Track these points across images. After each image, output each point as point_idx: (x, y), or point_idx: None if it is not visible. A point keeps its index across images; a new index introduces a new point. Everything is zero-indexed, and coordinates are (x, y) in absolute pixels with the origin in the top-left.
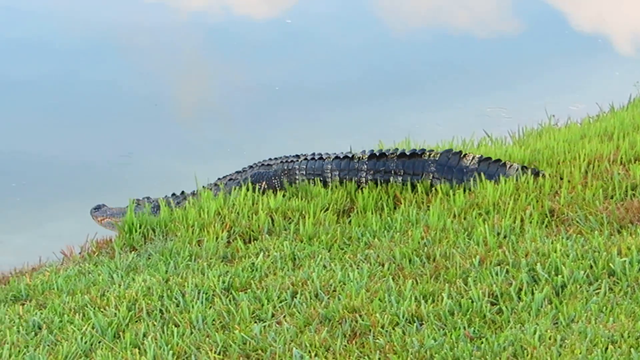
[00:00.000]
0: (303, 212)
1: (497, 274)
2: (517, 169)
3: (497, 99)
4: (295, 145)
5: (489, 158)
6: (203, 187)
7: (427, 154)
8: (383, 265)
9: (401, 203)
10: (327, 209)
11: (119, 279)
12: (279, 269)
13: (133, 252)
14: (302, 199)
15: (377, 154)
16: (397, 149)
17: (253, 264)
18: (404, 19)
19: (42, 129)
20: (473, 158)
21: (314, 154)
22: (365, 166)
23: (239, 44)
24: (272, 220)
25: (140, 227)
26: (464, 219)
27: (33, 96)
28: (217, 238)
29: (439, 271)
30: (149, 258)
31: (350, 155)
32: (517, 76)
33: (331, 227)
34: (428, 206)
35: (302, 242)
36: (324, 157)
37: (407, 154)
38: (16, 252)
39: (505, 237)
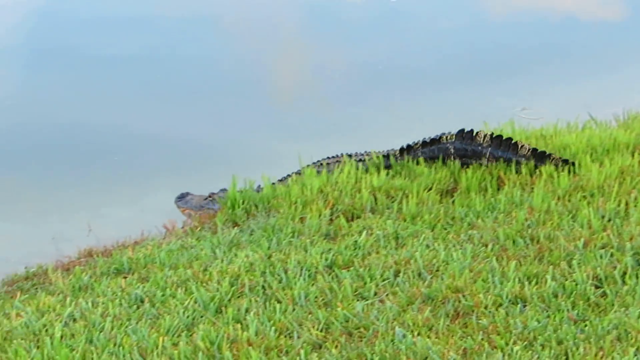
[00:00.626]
0: (406, 191)
1: (601, 257)
2: (528, 150)
3: (600, 83)
4: (398, 125)
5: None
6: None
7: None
8: (486, 246)
9: (505, 184)
10: (430, 189)
11: (222, 254)
12: (382, 247)
13: (235, 228)
14: (405, 178)
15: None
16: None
17: (356, 242)
18: (505, 1)
19: (142, 104)
20: (485, 137)
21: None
22: None
23: (340, 23)
24: (375, 198)
25: (243, 203)
26: (568, 201)
27: (134, 72)
28: (319, 215)
29: (542, 253)
30: (252, 234)
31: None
32: (620, 60)
33: (434, 207)
34: (532, 188)
35: (405, 221)
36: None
37: (428, 140)
38: (119, 225)
39: (609, 220)
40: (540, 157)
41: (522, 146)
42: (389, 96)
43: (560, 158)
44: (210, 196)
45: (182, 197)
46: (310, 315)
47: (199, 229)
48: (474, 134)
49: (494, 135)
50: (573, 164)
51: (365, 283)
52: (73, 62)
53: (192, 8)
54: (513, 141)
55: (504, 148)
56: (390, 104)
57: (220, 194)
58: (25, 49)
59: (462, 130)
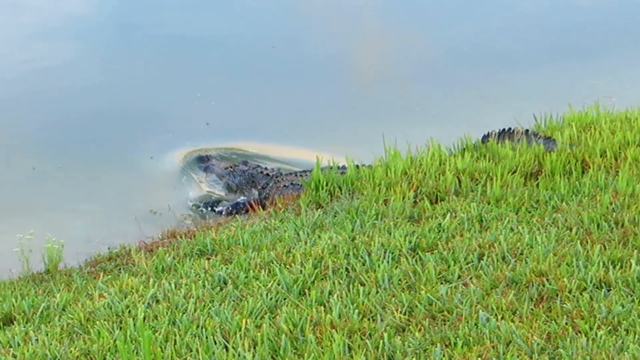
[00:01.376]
0: (490, 174)
1: None
2: (522, 134)
3: None
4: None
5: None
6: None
7: None
8: (571, 230)
9: (589, 167)
10: (514, 172)
11: (305, 236)
12: (466, 230)
13: (319, 210)
14: (489, 161)
15: None
16: None
17: (440, 224)
18: None
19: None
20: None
21: None
22: None
23: (424, 6)
24: (459, 181)
25: (326, 185)
26: None
27: (218, 54)
28: (403, 197)
29: (627, 237)
30: (335, 216)
31: None
32: None
33: (518, 190)
34: (617, 171)
35: (489, 204)
36: None
37: None
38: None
39: None
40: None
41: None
42: (474, 77)
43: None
44: (231, 167)
45: (204, 161)
46: (393, 298)
47: (282, 210)
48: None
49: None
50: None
51: (449, 266)
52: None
53: None
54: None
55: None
56: (474, 85)
57: (241, 166)
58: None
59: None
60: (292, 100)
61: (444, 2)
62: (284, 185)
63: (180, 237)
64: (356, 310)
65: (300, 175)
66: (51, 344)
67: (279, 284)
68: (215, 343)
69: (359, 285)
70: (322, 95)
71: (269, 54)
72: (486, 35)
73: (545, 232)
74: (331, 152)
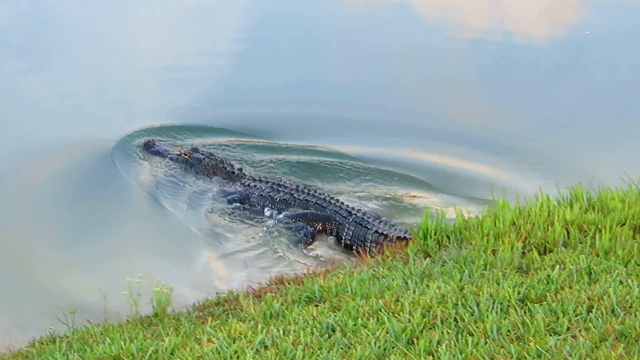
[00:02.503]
0: (599, 226)
1: None
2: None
3: None
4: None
5: None
6: None
7: None
8: None
9: None
10: (623, 224)
11: (413, 285)
12: (575, 282)
13: (427, 259)
14: (598, 213)
15: None
16: None
17: (549, 276)
18: None
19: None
20: None
21: None
22: None
23: (523, 67)
24: (568, 232)
25: (435, 234)
26: None
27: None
28: (512, 248)
29: None
30: (443, 265)
31: None
32: None
33: (627, 242)
34: None
35: (597, 256)
36: None
37: None
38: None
39: None
40: None
41: None
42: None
43: None
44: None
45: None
46: (502, 349)
47: (390, 258)
48: None
49: None
50: None
51: (557, 318)
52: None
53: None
54: None
55: None
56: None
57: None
58: None
59: None
60: None
61: (555, 60)
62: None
63: (288, 283)
64: None
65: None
66: None
67: (387, 333)
68: None
69: (468, 335)
70: None
71: None
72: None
73: None
74: None
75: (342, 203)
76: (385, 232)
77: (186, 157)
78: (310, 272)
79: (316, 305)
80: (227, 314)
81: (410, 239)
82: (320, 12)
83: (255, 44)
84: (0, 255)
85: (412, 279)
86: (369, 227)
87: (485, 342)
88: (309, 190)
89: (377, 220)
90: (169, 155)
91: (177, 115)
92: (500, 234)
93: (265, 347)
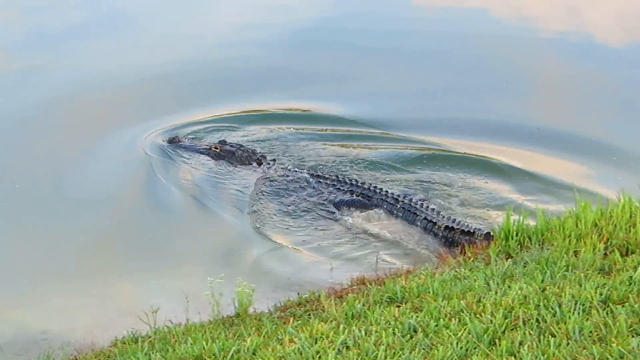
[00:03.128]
0: None
1: None
2: None
3: None
4: None
5: None
6: None
7: None
8: None
9: None
10: None
11: (495, 286)
12: None
13: (509, 260)
14: None
15: None
16: None
17: (631, 277)
18: None
19: None
20: None
21: None
22: None
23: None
24: None
25: (516, 235)
26: None
27: None
28: (594, 249)
29: None
30: (525, 266)
31: None
32: None
33: None
34: None
35: None
36: None
37: None
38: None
39: None
40: None
41: None
42: None
43: None
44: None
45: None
46: (584, 350)
47: (472, 259)
48: None
49: None
50: None
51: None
52: None
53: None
54: None
55: None
56: None
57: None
58: None
59: None
60: None
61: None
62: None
63: (370, 284)
64: None
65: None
66: None
67: (469, 333)
68: None
69: (550, 336)
70: None
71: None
72: None
73: None
74: None
75: (387, 191)
76: (434, 220)
77: (217, 150)
78: (392, 272)
79: (398, 306)
80: (309, 315)
81: (459, 229)
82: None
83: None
84: (81, 255)
85: (494, 280)
86: (417, 213)
87: (568, 343)
88: (350, 179)
89: (426, 207)
90: (198, 150)
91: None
92: (582, 235)
93: (347, 348)
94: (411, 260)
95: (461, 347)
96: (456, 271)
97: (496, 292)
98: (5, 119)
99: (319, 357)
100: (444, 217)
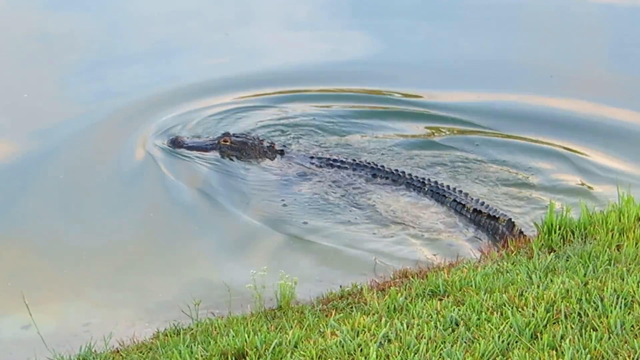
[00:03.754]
0: None
1: None
2: None
3: None
4: None
5: None
6: None
7: None
8: None
9: None
10: None
11: (537, 280)
12: None
13: (552, 254)
14: None
15: None
16: None
17: None
18: None
19: None
20: None
21: None
22: None
23: None
24: None
25: (559, 229)
26: None
27: None
28: (636, 243)
29: None
30: (568, 260)
31: None
32: None
33: None
34: None
35: None
36: None
37: None
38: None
39: None
40: None
41: None
42: None
43: None
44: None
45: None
46: (625, 345)
47: (514, 253)
48: None
49: None
50: None
51: None
52: None
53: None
54: None
55: None
56: None
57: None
58: None
59: None
60: None
61: None
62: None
63: (412, 277)
64: (588, 356)
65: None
66: None
67: (511, 327)
68: None
69: (591, 330)
70: None
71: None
72: None
73: None
74: None
75: (411, 174)
76: (463, 202)
77: (227, 143)
78: (435, 266)
79: (440, 299)
80: (351, 307)
81: (487, 214)
82: None
83: None
84: (123, 249)
85: (536, 274)
86: (446, 195)
87: (609, 337)
88: (369, 163)
89: (454, 189)
90: (205, 146)
91: None
92: (625, 229)
93: (389, 341)
94: (453, 253)
95: (503, 341)
96: (499, 265)
97: (538, 286)
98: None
99: (361, 350)
100: (472, 199)
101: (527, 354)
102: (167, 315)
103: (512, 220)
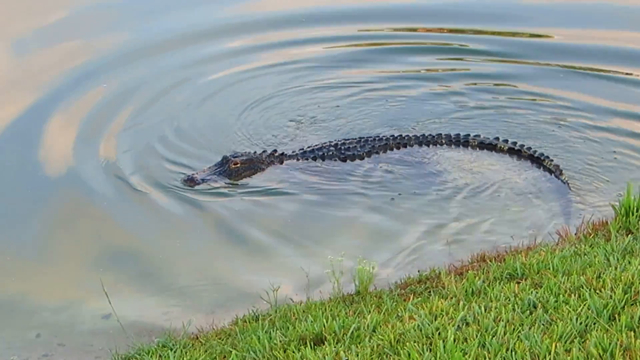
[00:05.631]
0: None
1: None
2: None
3: None
4: None
5: None
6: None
7: None
8: None
9: None
10: None
11: (615, 262)
12: None
13: (629, 235)
14: None
15: None
16: None
17: None
18: None
19: None
20: None
21: None
22: None
23: None
24: None
25: (637, 211)
26: None
27: None
28: None
29: None
30: None
31: None
32: None
33: None
34: None
35: None
36: None
37: None
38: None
39: None
40: None
41: None
42: None
43: None
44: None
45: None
46: None
47: (592, 235)
48: None
49: None
50: None
51: None
52: None
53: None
54: None
55: None
56: None
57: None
58: None
59: None
60: None
61: None
62: None
63: (490, 261)
64: None
65: None
66: None
67: (588, 309)
68: None
69: None
70: None
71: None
72: None
73: None
74: None
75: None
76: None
77: (237, 165)
78: (512, 249)
79: (517, 282)
80: (429, 292)
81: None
82: None
83: None
84: (203, 236)
85: (613, 256)
86: (494, 144)
87: None
88: (370, 137)
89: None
90: (218, 175)
91: None
92: None
93: (467, 324)
94: (531, 236)
95: (580, 323)
96: (576, 247)
97: (616, 268)
98: None
99: (439, 333)
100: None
101: (605, 335)
102: (246, 302)
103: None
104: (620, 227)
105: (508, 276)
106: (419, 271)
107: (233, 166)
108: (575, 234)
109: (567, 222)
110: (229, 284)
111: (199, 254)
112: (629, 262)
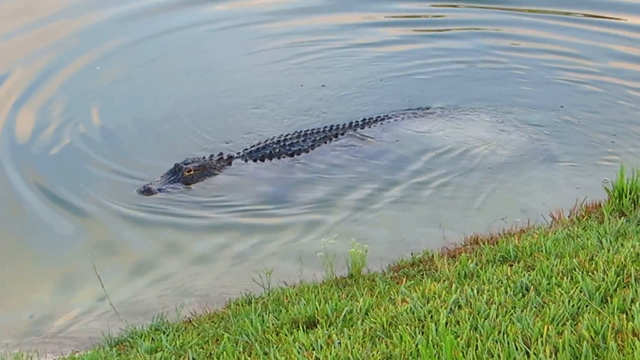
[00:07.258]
0: None
1: None
2: None
3: None
4: None
5: None
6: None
7: None
8: None
9: None
10: None
11: (608, 244)
12: None
13: (622, 218)
14: None
15: None
16: None
17: None
18: None
19: None
20: None
21: None
22: None
23: None
24: None
25: (630, 193)
26: None
27: None
28: None
29: None
30: (639, 224)
31: None
32: None
33: None
34: None
35: None
36: None
37: None
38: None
39: None
40: None
41: None
42: None
43: None
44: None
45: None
46: None
47: (585, 218)
48: None
49: None
50: None
51: None
52: None
53: None
54: None
55: None
56: None
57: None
58: None
59: None
60: None
61: None
62: None
63: (483, 244)
64: None
65: None
66: (354, 348)
67: (581, 291)
68: (517, 349)
69: None
70: None
71: None
72: None
73: None
74: None
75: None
76: None
77: (191, 173)
78: (505, 232)
79: (510, 265)
80: (422, 275)
81: None
82: None
83: None
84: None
85: (606, 238)
86: None
87: None
88: (308, 130)
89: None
90: (173, 183)
91: None
92: None
93: (459, 307)
94: (524, 219)
95: (573, 305)
96: (569, 230)
97: (609, 250)
98: None
99: (431, 316)
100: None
101: (597, 318)
102: (239, 285)
103: None
104: (613, 209)
105: (501, 259)
106: (412, 254)
107: (187, 173)
108: (569, 217)
109: None
110: (221, 265)
111: (189, 237)
112: (622, 245)
